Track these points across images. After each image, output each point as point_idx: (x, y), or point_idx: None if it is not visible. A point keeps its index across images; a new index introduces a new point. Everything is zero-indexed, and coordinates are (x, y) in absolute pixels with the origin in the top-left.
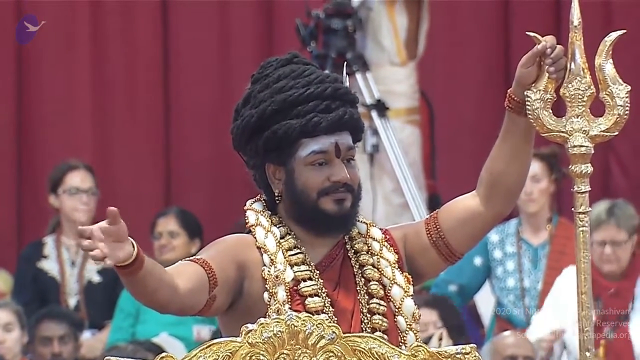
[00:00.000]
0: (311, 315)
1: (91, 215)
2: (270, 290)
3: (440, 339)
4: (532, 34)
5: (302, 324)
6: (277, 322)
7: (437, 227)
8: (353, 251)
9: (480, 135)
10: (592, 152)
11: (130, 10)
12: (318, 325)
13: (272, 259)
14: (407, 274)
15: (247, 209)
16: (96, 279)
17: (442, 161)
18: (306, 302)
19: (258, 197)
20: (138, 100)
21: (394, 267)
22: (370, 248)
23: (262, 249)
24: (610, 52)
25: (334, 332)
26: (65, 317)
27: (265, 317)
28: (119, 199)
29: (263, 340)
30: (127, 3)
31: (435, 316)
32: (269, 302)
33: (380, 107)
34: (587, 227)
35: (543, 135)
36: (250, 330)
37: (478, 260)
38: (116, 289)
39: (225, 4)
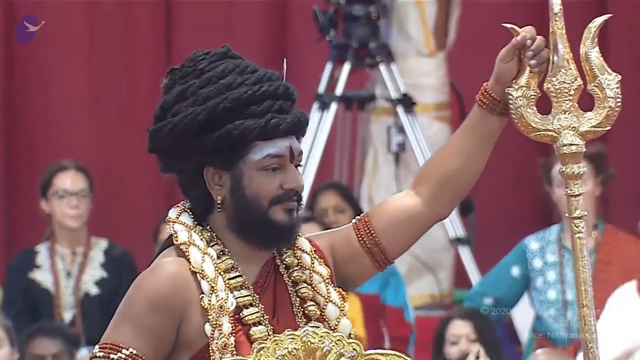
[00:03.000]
0: (329, 331)
1: (83, 220)
2: (214, 322)
3: (477, 358)
4: (509, 25)
5: (320, 340)
6: (292, 338)
7: (370, 231)
8: (284, 266)
9: (515, 131)
10: (584, 150)
11: (131, 6)
12: (337, 342)
13: (212, 287)
14: (340, 289)
15: (174, 222)
16: (93, 291)
17: None
18: (250, 331)
19: (182, 207)
20: (138, 99)
21: (328, 282)
22: (300, 261)
23: (199, 274)
24: (596, 39)
25: (354, 349)
26: (59, 333)
27: (204, 351)
28: (120, 204)
29: (277, 358)
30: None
31: (469, 328)
32: (212, 334)
33: (407, 102)
34: (583, 233)
35: (529, 136)
36: (263, 348)
37: (516, 270)
38: (115, 302)
39: None
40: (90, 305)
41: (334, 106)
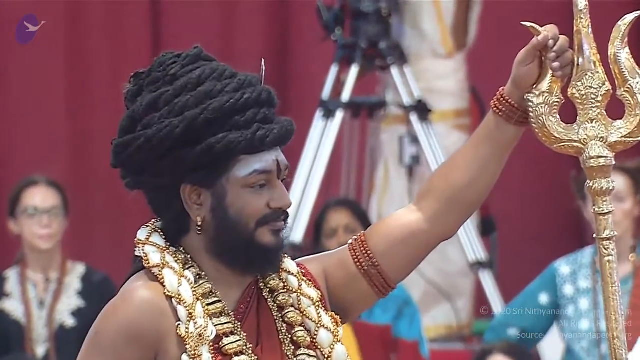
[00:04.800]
0: None
1: (56, 241)
2: (192, 352)
3: None
4: (528, 23)
5: None
6: None
7: (368, 252)
8: (268, 290)
9: (540, 145)
10: (613, 162)
11: (115, 5)
12: None
13: (190, 313)
14: (333, 313)
15: (144, 244)
16: (69, 322)
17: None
18: None
19: (152, 227)
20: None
21: (318, 306)
22: (286, 284)
23: (175, 299)
24: (626, 39)
25: None
26: None
27: None
28: (100, 224)
29: None
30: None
31: None
32: None
33: (422, 109)
34: (613, 255)
35: (551, 147)
36: None
37: (544, 298)
38: None
39: None
40: (65, 339)
41: (339, 114)
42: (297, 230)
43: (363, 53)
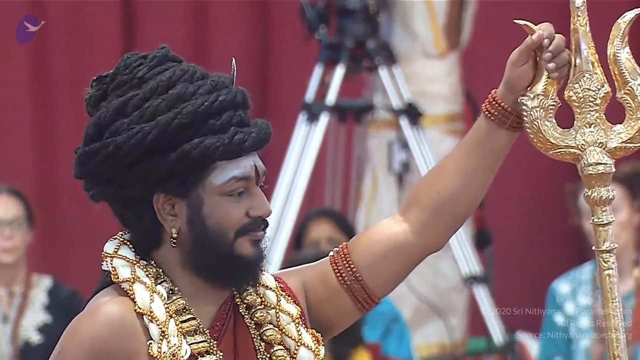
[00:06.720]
0: None
1: (19, 253)
2: None
3: None
4: (522, 21)
5: None
6: None
7: (350, 266)
8: (245, 306)
9: (537, 151)
10: (613, 170)
11: (84, 6)
12: None
13: (162, 331)
14: (314, 331)
15: (113, 257)
16: (35, 338)
17: (493, 185)
18: None
19: (120, 239)
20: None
21: (298, 323)
22: (264, 300)
23: (146, 317)
24: (627, 38)
25: None
26: None
27: None
28: (68, 236)
29: None
30: None
31: None
32: None
33: (412, 113)
34: (613, 269)
35: (547, 153)
36: None
37: (560, 319)
38: None
39: None
40: (31, 356)
41: (324, 118)
42: (278, 244)
43: (349, 53)
